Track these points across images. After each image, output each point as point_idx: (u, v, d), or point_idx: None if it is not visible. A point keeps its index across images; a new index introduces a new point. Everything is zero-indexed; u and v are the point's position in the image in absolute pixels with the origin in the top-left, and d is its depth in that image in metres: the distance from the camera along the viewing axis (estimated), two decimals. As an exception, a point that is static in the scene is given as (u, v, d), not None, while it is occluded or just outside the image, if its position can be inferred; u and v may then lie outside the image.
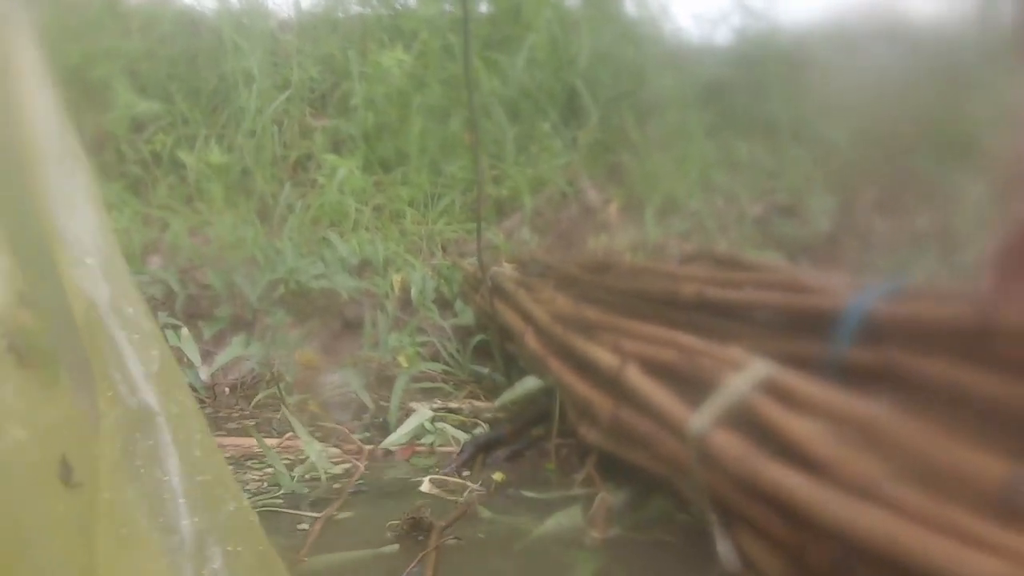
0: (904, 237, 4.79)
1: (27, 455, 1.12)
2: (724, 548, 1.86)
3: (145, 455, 1.18)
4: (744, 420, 1.81)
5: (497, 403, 3.45)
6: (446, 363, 4.22)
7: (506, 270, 4.14)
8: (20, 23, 1.34)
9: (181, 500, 1.19)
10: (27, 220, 1.23)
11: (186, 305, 4.69)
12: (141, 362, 1.21)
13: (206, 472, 1.24)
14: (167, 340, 4.15)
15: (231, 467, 3.07)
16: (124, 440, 1.18)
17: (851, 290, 2.08)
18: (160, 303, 4.66)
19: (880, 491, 1.42)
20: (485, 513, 2.61)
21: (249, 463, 3.21)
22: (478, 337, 4.18)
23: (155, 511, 1.17)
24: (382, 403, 3.85)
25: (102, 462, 1.17)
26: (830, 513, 1.45)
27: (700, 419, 1.86)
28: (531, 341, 3.10)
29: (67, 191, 1.25)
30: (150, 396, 1.20)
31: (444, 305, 4.70)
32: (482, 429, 3.38)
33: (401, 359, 4.13)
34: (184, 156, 5.48)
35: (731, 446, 1.74)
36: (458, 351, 4.28)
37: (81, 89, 5.58)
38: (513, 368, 3.83)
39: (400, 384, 3.75)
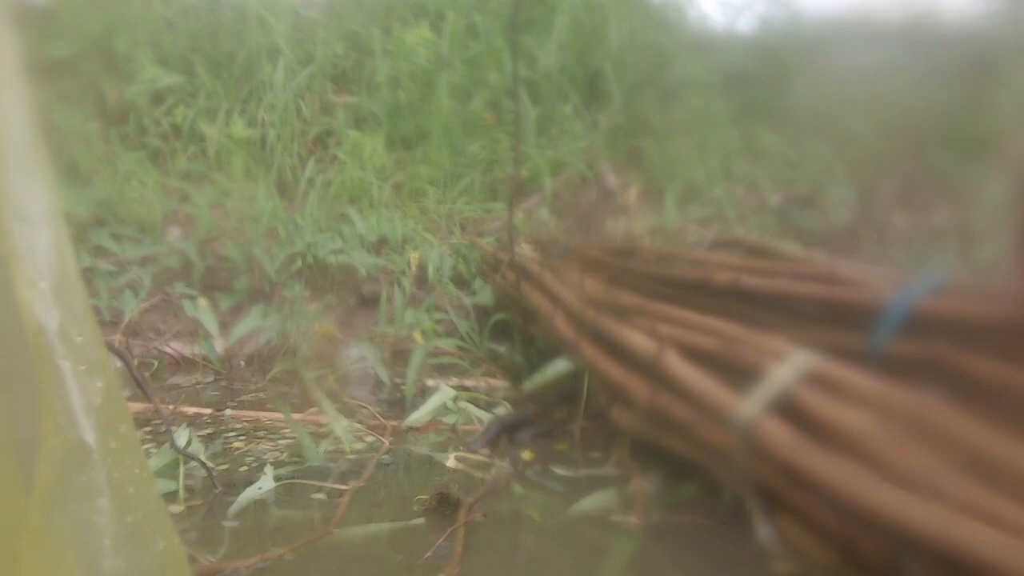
0: (923, 231, 4.78)
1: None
2: (765, 534, 1.87)
3: (77, 490, 1.17)
4: (787, 409, 1.81)
5: (527, 385, 3.44)
6: (462, 340, 4.22)
7: (525, 251, 4.14)
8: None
9: (107, 540, 1.18)
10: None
11: (204, 276, 4.71)
12: (85, 394, 1.19)
13: (138, 510, 1.23)
14: (188, 310, 4.21)
15: (245, 438, 3.13)
16: (59, 472, 1.15)
17: (891, 283, 2.08)
18: (178, 274, 4.68)
19: (934, 484, 1.43)
20: (517, 490, 2.63)
21: (264, 433, 3.23)
22: (497, 316, 4.18)
23: (80, 547, 1.16)
24: (397, 379, 3.86)
25: (37, 490, 1.15)
26: (883, 506, 1.46)
27: (748, 407, 1.86)
28: (561, 324, 3.10)
29: (27, 208, 1.20)
30: (88, 431, 1.18)
31: (461, 283, 4.72)
32: (504, 409, 3.39)
33: (417, 335, 4.14)
34: (205, 128, 5.48)
35: (781, 435, 1.74)
36: (474, 329, 4.29)
37: (104, 60, 5.58)
38: (532, 349, 3.83)
39: (416, 359, 3.76)
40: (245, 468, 2.85)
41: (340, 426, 3.05)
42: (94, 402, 1.19)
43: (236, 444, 3.11)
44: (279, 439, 3.15)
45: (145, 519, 1.24)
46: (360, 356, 4.07)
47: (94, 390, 1.20)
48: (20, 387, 1.20)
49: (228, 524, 2.41)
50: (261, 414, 3.44)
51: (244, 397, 3.79)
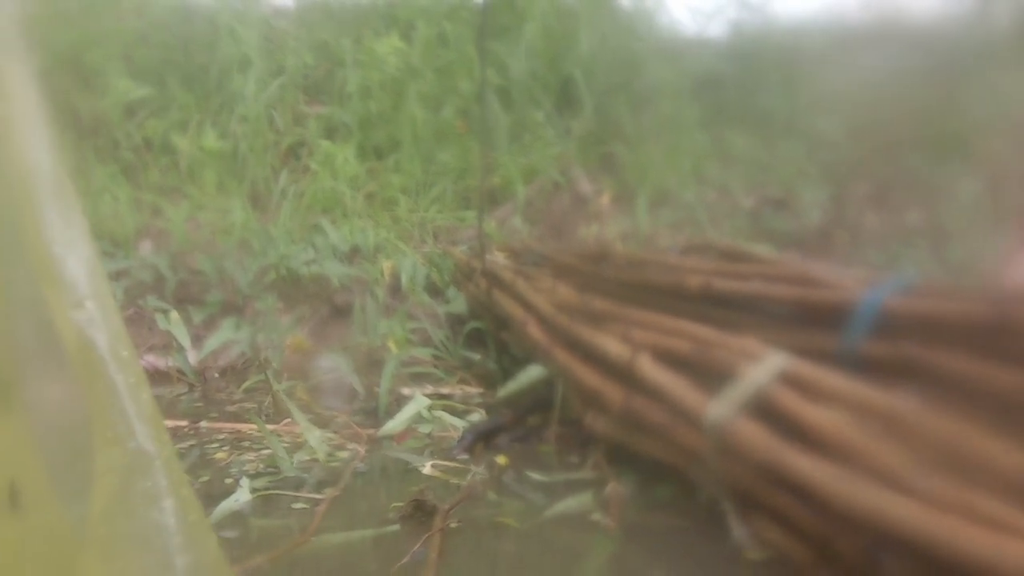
0: (895, 231, 4.81)
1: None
2: (740, 534, 1.87)
3: (143, 495, 1.21)
4: (761, 410, 1.81)
5: (501, 392, 3.43)
6: (436, 349, 4.21)
7: (498, 259, 4.13)
8: (14, 50, 1.29)
9: (176, 538, 1.22)
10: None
11: (177, 290, 4.69)
12: (136, 405, 1.23)
13: (193, 511, 1.27)
14: (161, 323, 4.20)
15: (226, 449, 3.12)
16: (121, 480, 1.20)
17: (862, 284, 2.08)
18: (151, 287, 4.65)
19: (908, 480, 1.43)
20: (491, 496, 2.62)
21: (243, 444, 3.22)
22: (471, 324, 4.17)
23: (150, 549, 1.20)
24: (374, 388, 3.85)
25: (96, 498, 1.18)
26: (860, 503, 1.46)
27: (719, 408, 1.87)
28: (534, 331, 3.09)
29: (65, 232, 1.23)
30: (146, 439, 1.22)
31: (435, 292, 4.71)
32: (479, 416, 3.38)
33: (391, 344, 4.13)
34: (177, 141, 5.46)
35: (754, 435, 1.74)
36: (448, 337, 4.28)
37: (75, 73, 5.55)
38: (506, 356, 3.83)
39: (389, 368, 3.74)
40: (230, 480, 2.83)
41: (313, 436, 3.04)
42: (144, 412, 1.24)
43: (219, 455, 3.10)
44: (261, 449, 3.14)
45: (199, 519, 1.29)
46: (333, 367, 4.06)
47: (142, 401, 1.24)
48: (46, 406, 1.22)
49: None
50: (240, 426, 3.42)
51: (222, 409, 3.77)
